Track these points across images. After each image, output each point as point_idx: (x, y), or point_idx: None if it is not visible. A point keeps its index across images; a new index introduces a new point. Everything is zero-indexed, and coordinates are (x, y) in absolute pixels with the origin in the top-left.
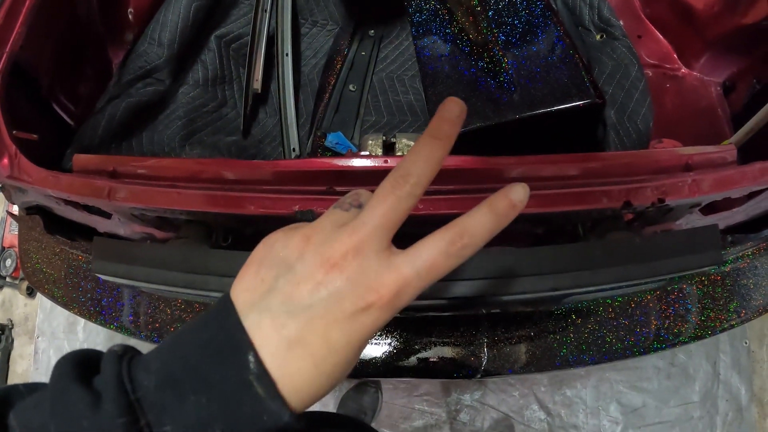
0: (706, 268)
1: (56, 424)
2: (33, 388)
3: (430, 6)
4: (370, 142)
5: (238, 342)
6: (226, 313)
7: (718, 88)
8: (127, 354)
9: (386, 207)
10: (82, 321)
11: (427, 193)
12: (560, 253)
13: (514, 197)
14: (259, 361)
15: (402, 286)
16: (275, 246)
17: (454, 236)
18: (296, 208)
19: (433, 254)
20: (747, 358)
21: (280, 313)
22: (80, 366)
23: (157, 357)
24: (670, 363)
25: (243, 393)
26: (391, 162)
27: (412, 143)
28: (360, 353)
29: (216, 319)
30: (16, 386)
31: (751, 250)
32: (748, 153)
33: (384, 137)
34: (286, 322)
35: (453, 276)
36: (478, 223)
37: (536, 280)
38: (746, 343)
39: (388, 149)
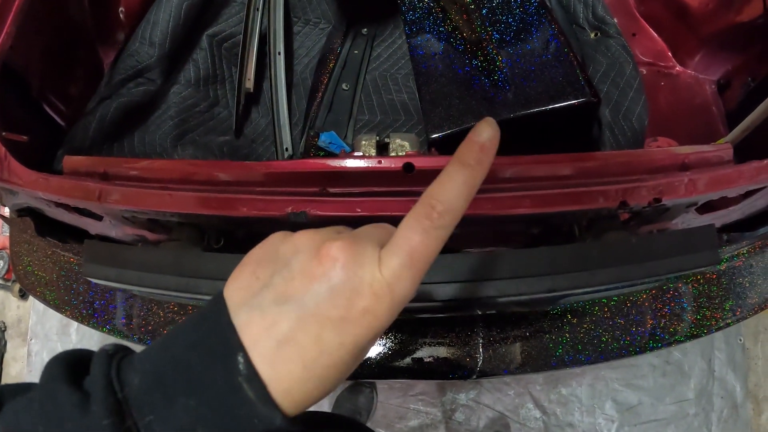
0: (703, 269)
1: (44, 425)
2: (24, 388)
3: (423, 4)
4: (364, 142)
5: (228, 342)
6: (218, 313)
7: (713, 86)
8: (118, 353)
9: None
10: (75, 323)
11: None
12: (556, 254)
13: (482, 137)
14: (248, 362)
15: (393, 280)
16: (274, 245)
17: (426, 209)
18: (289, 209)
19: (409, 237)
20: (742, 355)
21: (271, 310)
22: (70, 366)
23: (147, 357)
24: (666, 361)
25: (233, 396)
26: (384, 162)
27: (405, 143)
28: (359, 357)
29: (207, 319)
30: (4, 387)
31: (746, 248)
32: (743, 151)
33: (377, 137)
34: (277, 319)
35: (448, 278)
36: (450, 185)
37: (532, 281)
38: (741, 340)
39: (382, 149)
